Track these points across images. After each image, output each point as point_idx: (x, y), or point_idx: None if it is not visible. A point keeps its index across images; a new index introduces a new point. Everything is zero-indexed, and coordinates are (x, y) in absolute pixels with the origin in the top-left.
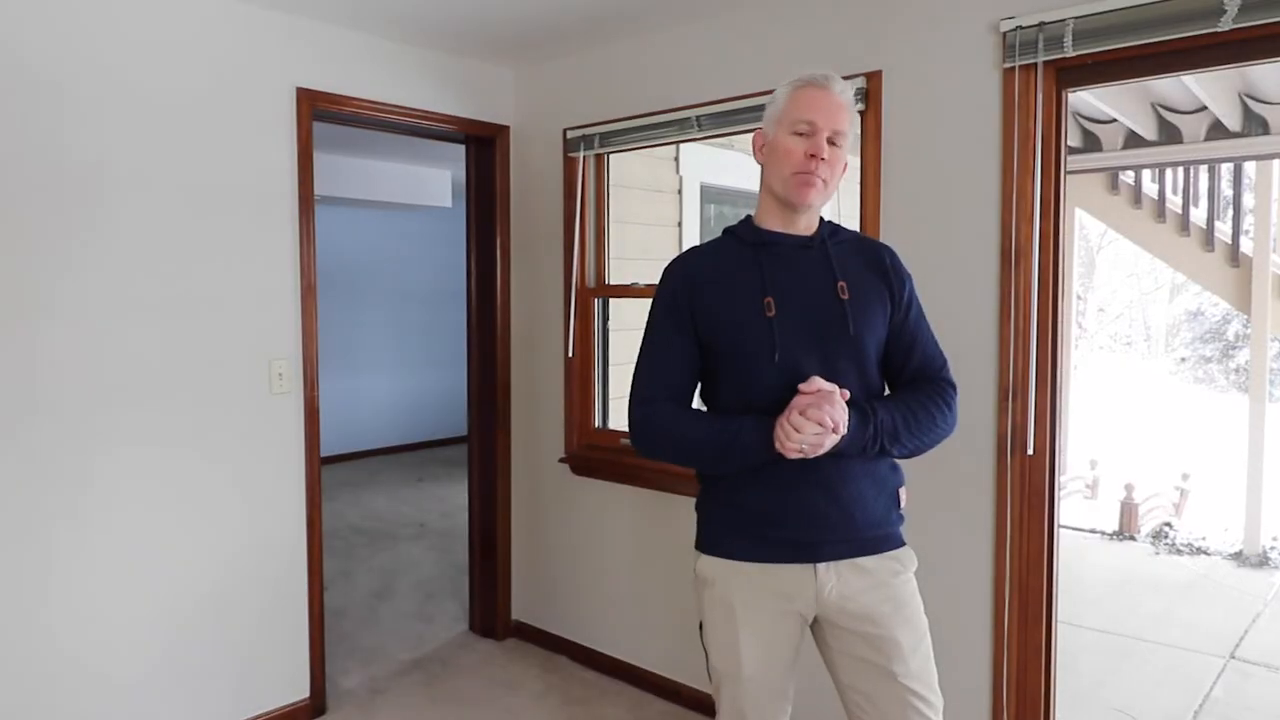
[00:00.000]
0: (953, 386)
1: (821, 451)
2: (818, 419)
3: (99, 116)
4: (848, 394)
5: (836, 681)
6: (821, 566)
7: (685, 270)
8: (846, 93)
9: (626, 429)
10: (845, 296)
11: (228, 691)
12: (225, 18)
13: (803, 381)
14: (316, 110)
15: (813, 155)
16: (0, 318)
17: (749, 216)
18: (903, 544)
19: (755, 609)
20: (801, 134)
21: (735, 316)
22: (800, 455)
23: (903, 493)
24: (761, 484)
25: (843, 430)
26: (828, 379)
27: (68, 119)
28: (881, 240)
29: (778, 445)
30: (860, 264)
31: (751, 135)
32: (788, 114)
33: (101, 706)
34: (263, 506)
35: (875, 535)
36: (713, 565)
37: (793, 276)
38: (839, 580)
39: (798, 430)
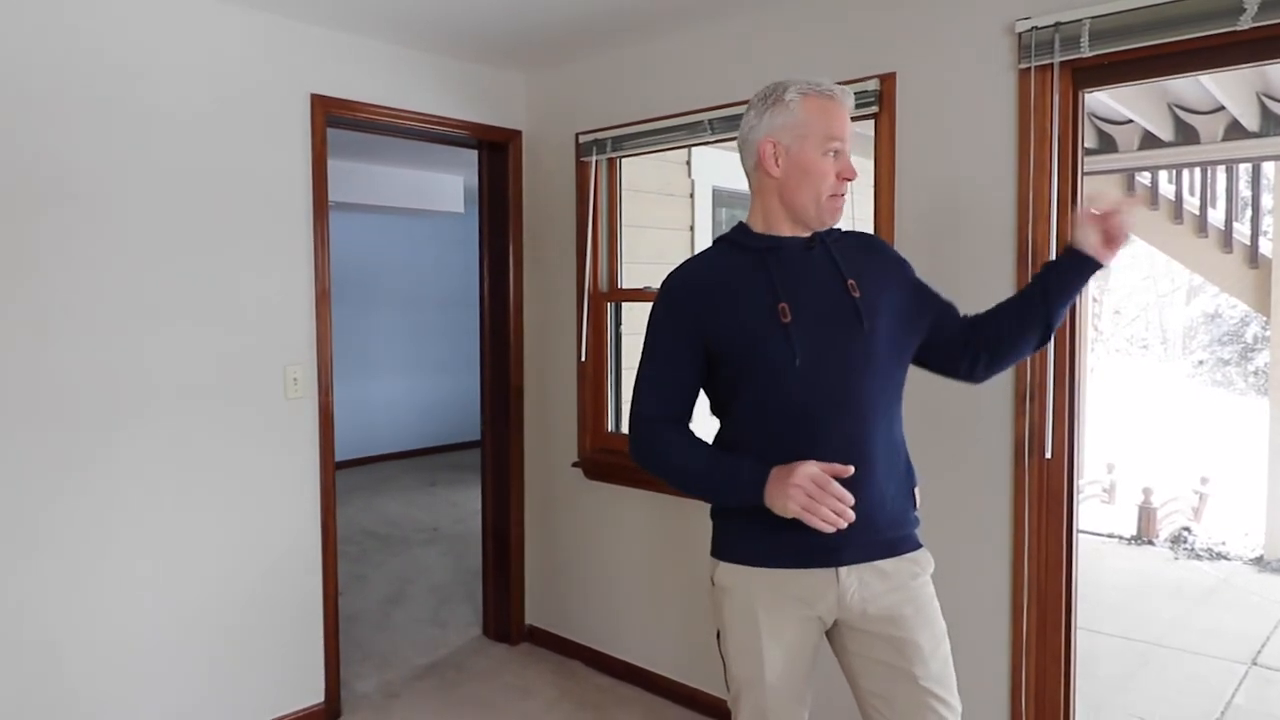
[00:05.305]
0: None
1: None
2: (832, 520)
3: (116, 125)
4: (850, 470)
5: (854, 686)
6: (843, 570)
7: (688, 283)
8: (852, 104)
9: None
10: (856, 294)
11: (242, 695)
12: (239, 26)
13: (822, 389)
14: (330, 116)
15: (847, 178)
16: (21, 326)
17: (742, 223)
18: (920, 546)
19: (778, 615)
20: (832, 153)
21: (750, 327)
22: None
23: (917, 492)
24: None
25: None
26: (845, 378)
27: (86, 128)
28: (895, 244)
29: (793, 507)
30: (862, 257)
31: (759, 142)
32: (815, 129)
33: (116, 710)
34: (277, 511)
35: (894, 537)
36: (733, 573)
37: (802, 280)
38: (860, 584)
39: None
